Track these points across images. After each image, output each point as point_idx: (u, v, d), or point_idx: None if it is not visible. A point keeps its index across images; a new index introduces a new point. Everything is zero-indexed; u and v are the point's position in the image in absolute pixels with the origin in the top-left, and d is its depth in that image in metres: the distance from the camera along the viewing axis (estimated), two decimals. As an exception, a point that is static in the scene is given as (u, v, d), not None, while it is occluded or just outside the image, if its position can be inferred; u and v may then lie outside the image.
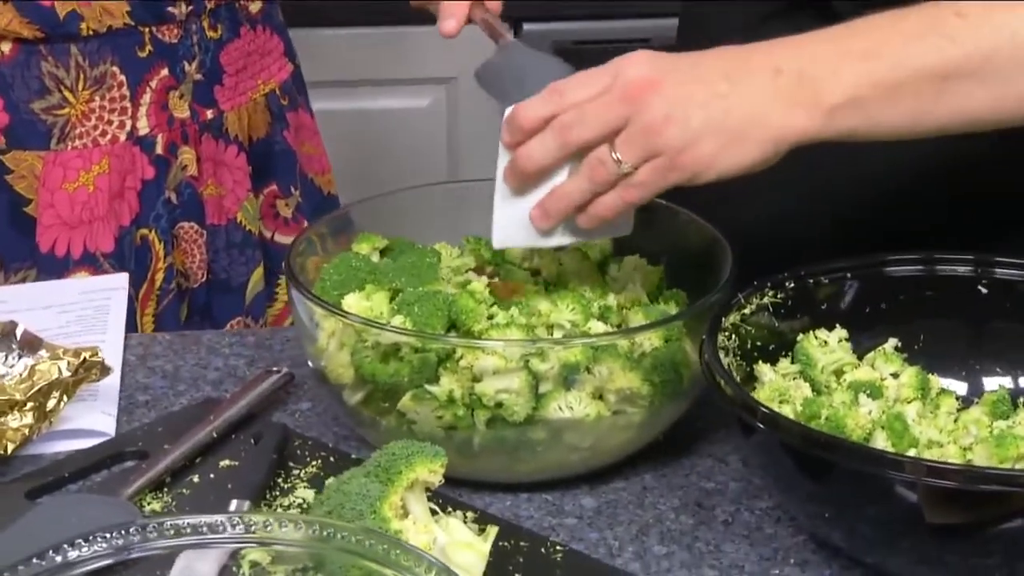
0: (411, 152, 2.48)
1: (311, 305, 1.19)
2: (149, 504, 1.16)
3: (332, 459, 1.22)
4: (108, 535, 0.91)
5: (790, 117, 1.10)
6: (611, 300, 1.24)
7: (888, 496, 1.02)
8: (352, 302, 1.21)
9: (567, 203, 1.15)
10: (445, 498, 1.14)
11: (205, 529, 0.93)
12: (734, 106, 1.10)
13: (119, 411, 1.29)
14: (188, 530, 0.93)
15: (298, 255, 1.26)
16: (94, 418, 1.27)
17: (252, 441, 1.23)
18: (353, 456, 1.23)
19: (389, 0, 2.42)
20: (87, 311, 1.44)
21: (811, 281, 1.21)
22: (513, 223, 1.19)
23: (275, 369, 1.32)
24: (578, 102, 1.12)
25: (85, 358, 1.24)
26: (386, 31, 2.44)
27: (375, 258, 1.30)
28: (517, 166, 1.16)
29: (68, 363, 1.23)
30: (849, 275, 1.22)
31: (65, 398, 1.24)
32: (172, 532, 0.93)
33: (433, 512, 1.07)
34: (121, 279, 1.51)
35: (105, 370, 1.26)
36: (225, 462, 1.22)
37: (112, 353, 1.33)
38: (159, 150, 1.56)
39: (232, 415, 1.25)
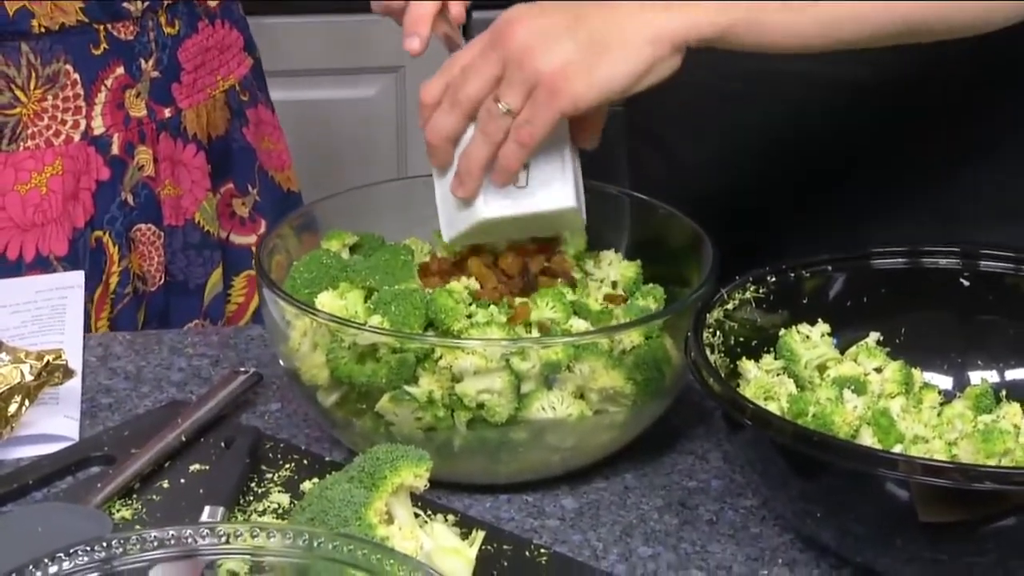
0: (360, 142, 2.45)
1: (283, 304, 1.16)
2: (119, 512, 1.13)
3: (305, 462, 1.19)
4: (90, 548, 0.88)
5: (661, 16, 1.10)
6: (590, 298, 1.22)
7: (881, 495, 1.01)
8: (326, 301, 1.18)
9: (473, 163, 1.15)
10: (425, 501, 1.11)
11: (190, 540, 0.90)
12: (599, 20, 1.10)
13: (82, 415, 1.26)
14: (172, 541, 0.90)
15: (268, 252, 1.23)
16: (57, 422, 1.23)
17: (223, 444, 1.20)
18: (327, 458, 1.20)
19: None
20: (43, 311, 1.40)
21: (793, 275, 1.19)
22: (453, 210, 1.18)
23: (242, 369, 1.29)
24: (465, 64, 1.14)
25: (48, 361, 1.20)
26: (333, 19, 2.40)
27: (345, 255, 1.27)
28: (428, 143, 1.17)
29: (31, 366, 1.20)
30: (831, 268, 1.20)
31: (27, 402, 1.21)
32: (156, 544, 0.90)
33: (416, 516, 1.04)
34: (76, 277, 1.47)
35: (68, 373, 1.23)
36: (195, 467, 1.18)
37: (72, 354, 1.29)
38: (115, 150, 1.51)
39: (200, 417, 1.22)
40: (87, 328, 1.49)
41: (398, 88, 2.43)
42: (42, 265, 1.49)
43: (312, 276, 1.21)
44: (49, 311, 1.40)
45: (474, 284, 1.20)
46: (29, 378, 1.20)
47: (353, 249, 1.28)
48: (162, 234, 1.56)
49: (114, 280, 1.53)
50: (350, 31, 2.40)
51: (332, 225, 1.30)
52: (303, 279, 1.21)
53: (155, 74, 1.53)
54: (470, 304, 1.17)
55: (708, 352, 1.11)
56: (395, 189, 1.38)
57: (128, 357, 1.35)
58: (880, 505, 1.02)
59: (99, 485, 1.14)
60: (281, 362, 1.21)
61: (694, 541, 1.12)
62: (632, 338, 1.14)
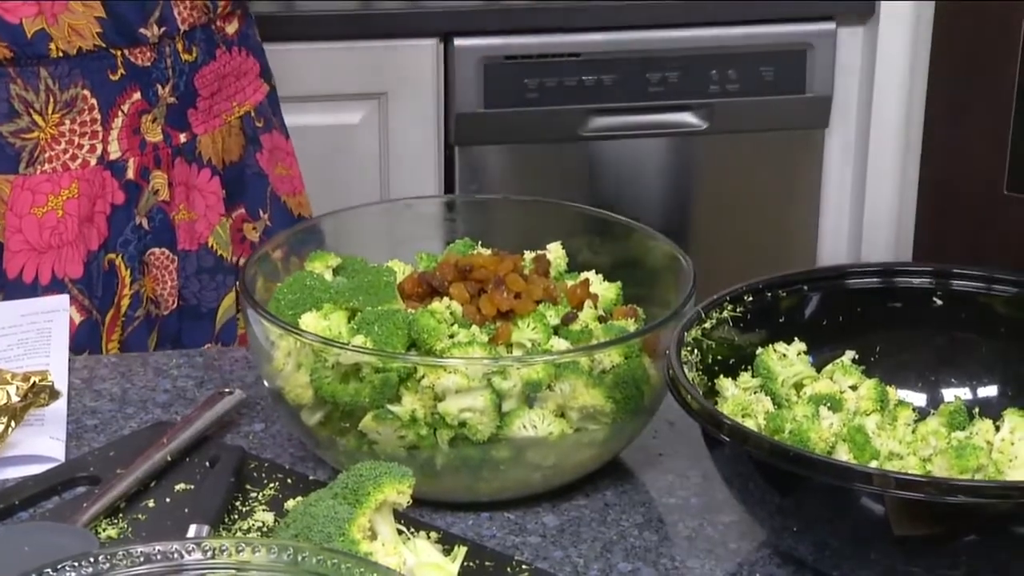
0: (343, 168, 2.46)
1: (268, 324, 1.18)
2: (105, 531, 1.14)
3: (289, 481, 1.20)
4: (77, 563, 0.89)
5: None
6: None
7: (856, 509, 1.03)
8: (309, 321, 1.19)
9: None
10: (407, 519, 1.13)
11: (176, 555, 0.91)
12: None
13: (67, 436, 1.27)
14: (158, 557, 0.91)
15: (253, 274, 1.24)
16: (42, 443, 1.25)
17: (208, 464, 1.21)
18: (311, 477, 1.21)
19: (317, 15, 2.41)
20: (29, 334, 1.41)
21: (769, 294, 1.21)
22: None
23: (227, 390, 1.30)
24: None
25: (34, 382, 1.22)
26: (314, 47, 2.42)
27: (328, 276, 1.28)
28: None
29: (17, 388, 1.21)
30: (807, 288, 1.22)
31: (13, 424, 1.22)
32: (142, 559, 0.91)
33: (400, 533, 1.06)
34: (62, 300, 1.48)
35: (54, 394, 1.24)
36: (180, 486, 1.20)
37: (58, 376, 1.30)
38: (130, 175, 1.53)
39: (186, 438, 1.23)
40: (98, 350, 1.50)
41: (381, 114, 2.45)
42: (58, 288, 1.51)
43: (296, 297, 1.22)
44: (35, 334, 1.41)
45: (456, 306, 1.21)
46: (15, 399, 1.21)
47: (336, 271, 1.30)
48: (176, 258, 1.57)
49: (125, 303, 1.54)
50: (332, 58, 2.41)
51: (316, 247, 1.31)
52: (287, 300, 1.22)
53: (171, 100, 1.54)
54: (452, 324, 1.19)
55: (686, 370, 1.13)
56: (378, 212, 1.40)
57: (113, 379, 1.36)
58: (855, 519, 1.03)
59: (85, 505, 1.15)
60: (265, 382, 1.23)
61: (673, 557, 1.14)
62: (611, 357, 1.16)
